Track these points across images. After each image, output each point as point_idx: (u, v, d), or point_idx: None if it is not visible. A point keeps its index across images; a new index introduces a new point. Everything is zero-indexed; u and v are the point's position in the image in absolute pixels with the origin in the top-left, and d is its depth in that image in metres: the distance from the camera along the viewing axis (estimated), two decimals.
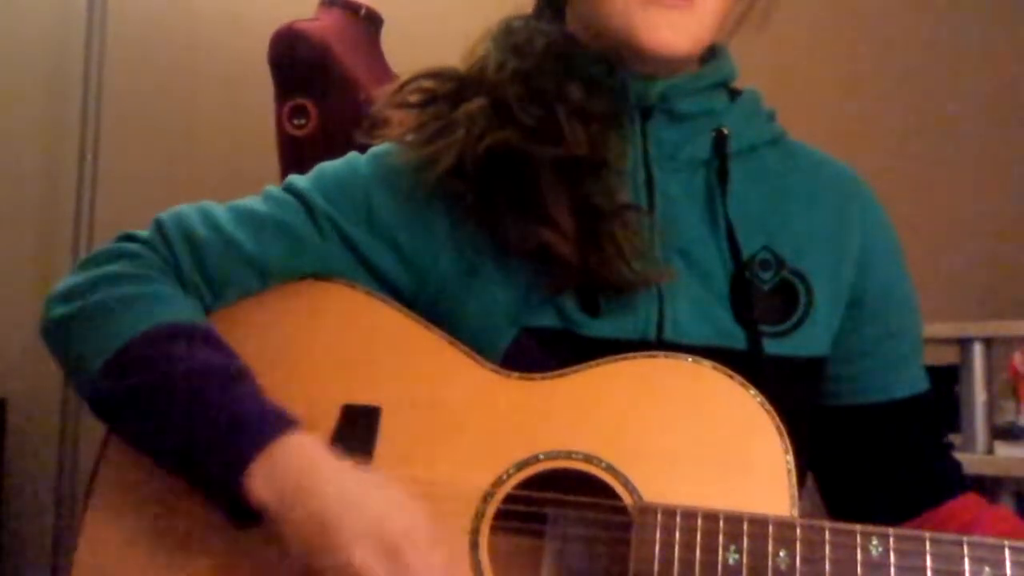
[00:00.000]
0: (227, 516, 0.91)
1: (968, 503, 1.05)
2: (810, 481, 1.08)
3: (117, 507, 0.97)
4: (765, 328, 1.00)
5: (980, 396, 1.98)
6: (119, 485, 0.98)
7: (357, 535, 0.84)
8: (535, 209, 0.98)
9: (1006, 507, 1.74)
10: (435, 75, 1.07)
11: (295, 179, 1.06)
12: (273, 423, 0.90)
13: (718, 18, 1.02)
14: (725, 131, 1.05)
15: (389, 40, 2.22)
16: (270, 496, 0.87)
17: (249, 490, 0.87)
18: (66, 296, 0.98)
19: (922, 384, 1.09)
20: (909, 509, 1.04)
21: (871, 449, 1.07)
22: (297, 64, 2.01)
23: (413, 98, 1.07)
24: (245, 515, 0.89)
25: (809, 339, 1.02)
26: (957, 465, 1.09)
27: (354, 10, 2.16)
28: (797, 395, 0.99)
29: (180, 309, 0.97)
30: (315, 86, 2.00)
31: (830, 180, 1.09)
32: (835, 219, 1.06)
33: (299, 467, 0.88)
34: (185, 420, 0.90)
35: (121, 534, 0.96)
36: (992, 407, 1.99)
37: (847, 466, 1.08)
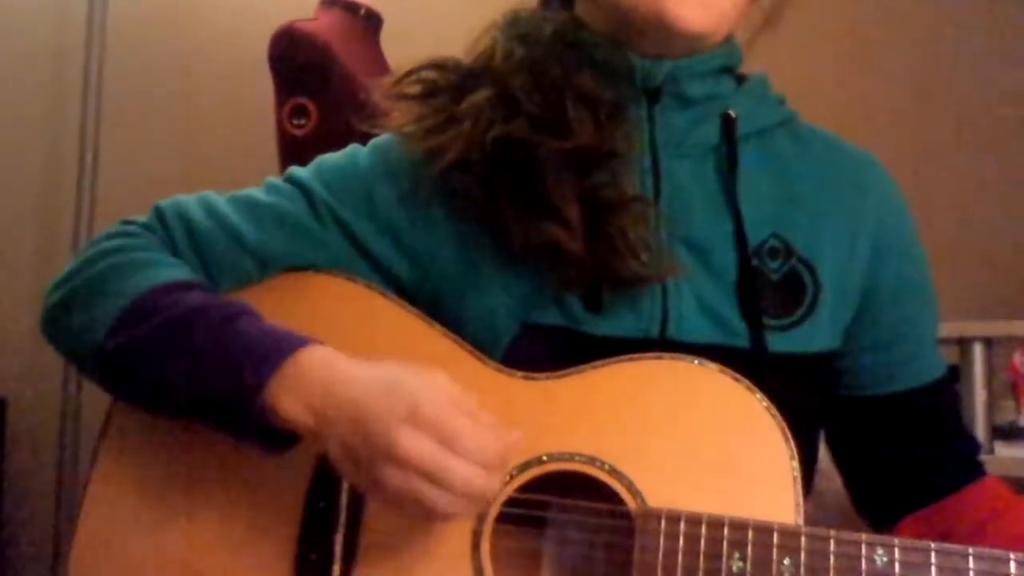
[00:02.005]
0: (260, 446, 0.89)
1: (988, 493, 1.05)
2: (815, 480, 1.08)
3: (120, 475, 0.98)
4: (770, 322, 0.98)
5: (980, 396, 1.98)
6: (122, 453, 0.99)
7: (396, 418, 0.82)
8: (541, 204, 0.96)
9: None
10: (438, 66, 1.05)
11: (296, 170, 1.06)
12: (286, 340, 0.89)
13: (742, 5, 1.01)
14: (732, 114, 1.03)
15: (389, 40, 2.21)
16: (300, 410, 0.86)
17: (276, 410, 0.86)
18: (62, 281, 0.98)
19: (940, 369, 1.08)
20: (930, 494, 1.04)
21: (892, 437, 1.06)
22: (297, 64, 2.01)
23: (413, 89, 1.05)
24: (277, 440, 0.89)
25: (814, 334, 1.00)
26: (976, 447, 1.09)
27: (354, 10, 2.16)
28: (801, 393, 0.98)
29: (181, 271, 0.97)
30: (315, 86, 2.00)
31: (845, 166, 1.07)
32: (848, 207, 1.04)
33: (321, 376, 0.87)
34: (199, 355, 0.89)
35: (125, 500, 0.97)
36: (992, 407, 1.99)
37: (868, 454, 1.08)
